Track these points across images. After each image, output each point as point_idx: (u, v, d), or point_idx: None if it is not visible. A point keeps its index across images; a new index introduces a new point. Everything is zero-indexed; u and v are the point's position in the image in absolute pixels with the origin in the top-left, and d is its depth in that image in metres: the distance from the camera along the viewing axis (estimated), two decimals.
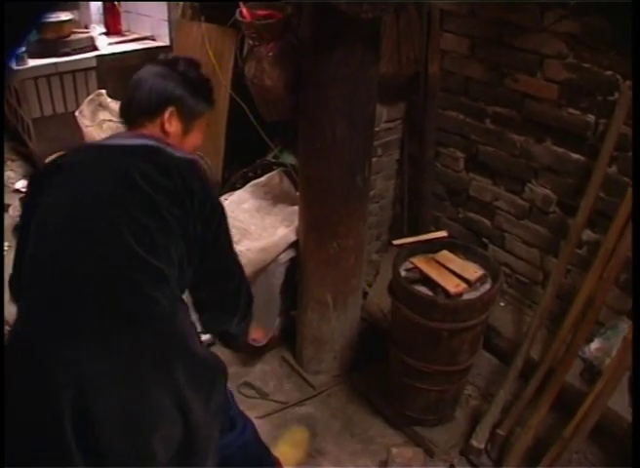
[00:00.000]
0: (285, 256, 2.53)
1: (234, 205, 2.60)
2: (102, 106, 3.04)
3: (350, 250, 2.39)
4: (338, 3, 1.83)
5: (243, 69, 2.36)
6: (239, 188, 2.76)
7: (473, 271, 2.22)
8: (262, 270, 2.51)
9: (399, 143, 2.88)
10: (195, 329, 1.63)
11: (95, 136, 2.83)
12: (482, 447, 2.34)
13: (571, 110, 2.31)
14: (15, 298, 1.59)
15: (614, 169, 2.26)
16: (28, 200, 1.63)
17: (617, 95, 2.18)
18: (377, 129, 2.70)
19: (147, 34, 4.07)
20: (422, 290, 2.18)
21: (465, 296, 2.16)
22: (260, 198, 2.69)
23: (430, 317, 2.13)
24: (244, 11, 2.23)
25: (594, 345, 2.39)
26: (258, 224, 2.57)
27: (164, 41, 3.96)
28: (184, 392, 1.46)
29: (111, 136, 1.74)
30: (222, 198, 2.70)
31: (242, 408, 2.07)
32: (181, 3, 3.45)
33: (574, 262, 2.41)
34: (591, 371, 2.35)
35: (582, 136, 2.30)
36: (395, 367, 2.39)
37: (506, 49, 2.39)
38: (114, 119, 2.85)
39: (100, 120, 2.88)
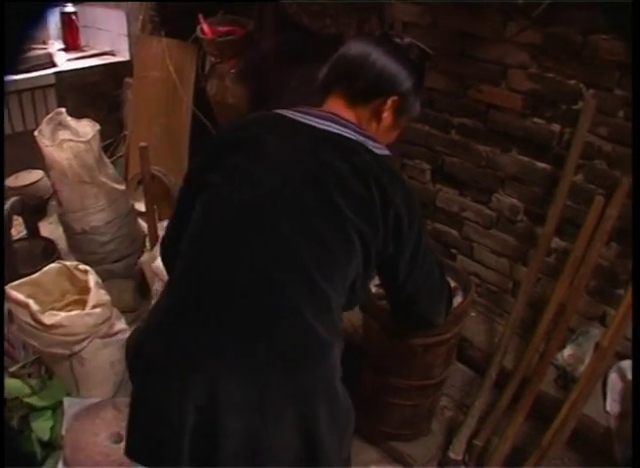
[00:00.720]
0: None
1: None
2: (63, 125, 2.90)
3: None
4: (300, 18, 1.75)
5: (205, 86, 2.27)
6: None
7: None
8: None
9: None
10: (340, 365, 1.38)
11: (55, 156, 2.70)
12: (460, 458, 2.27)
13: (535, 120, 2.26)
14: (167, 268, 1.51)
15: (580, 177, 2.22)
16: (197, 173, 1.44)
17: (580, 103, 2.13)
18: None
19: (107, 49, 3.95)
20: None
21: None
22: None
23: (402, 333, 2.06)
24: (205, 27, 2.14)
25: (567, 352, 2.34)
26: None
27: (124, 56, 3.86)
28: (320, 434, 1.24)
29: (303, 109, 1.43)
30: None
31: None
32: (141, 17, 3.33)
33: (543, 270, 2.36)
34: (565, 378, 2.30)
35: (548, 145, 2.25)
36: (369, 383, 2.31)
37: (469, 60, 2.34)
38: (74, 139, 2.72)
39: (60, 140, 2.74)
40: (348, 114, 1.44)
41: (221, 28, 2.14)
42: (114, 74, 3.81)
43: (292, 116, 1.42)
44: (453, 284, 2.14)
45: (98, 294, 2.37)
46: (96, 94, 3.77)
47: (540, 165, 2.31)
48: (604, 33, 1.99)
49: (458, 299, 2.13)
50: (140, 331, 1.34)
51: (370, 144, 1.38)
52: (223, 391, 1.18)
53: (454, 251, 2.72)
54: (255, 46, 2.12)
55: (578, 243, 2.16)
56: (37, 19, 0.77)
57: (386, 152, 1.44)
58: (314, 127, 1.38)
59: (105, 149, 3.47)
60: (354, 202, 1.30)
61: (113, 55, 3.91)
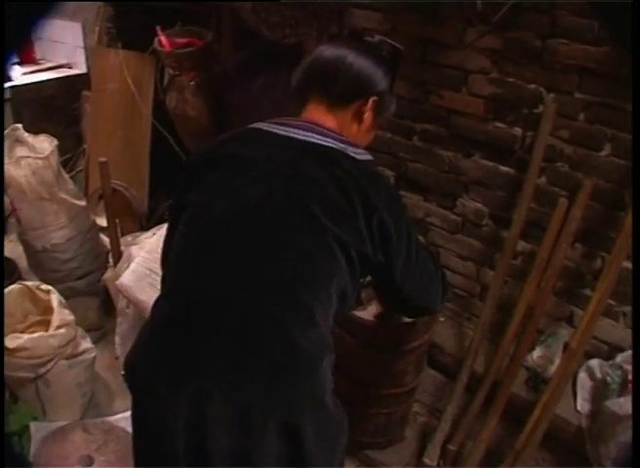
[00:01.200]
0: None
1: (163, 239, 2.39)
2: (19, 141, 2.78)
3: None
4: (259, 29, 1.70)
5: (164, 98, 2.19)
6: (167, 220, 2.54)
7: None
8: None
9: None
10: (331, 376, 1.35)
11: (12, 173, 2.59)
12: (434, 463, 2.23)
13: (497, 124, 2.24)
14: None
15: (543, 180, 2.21)
16: (178, 195, 1.40)
17: (541, 107, 2.13)
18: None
19: (63, 62, 3.83)
20: (363, 315, 2.05)
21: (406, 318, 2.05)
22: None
23: (373, 343, 2.02)
24: (162, 39, 2.07)
25: (536, 353, 2.32)
26: None
27: (81, 69, 3.75)
28: (308, 448, 1.23)
29: (281, 121, 1.40)
30: (150, 232, 2.51)
31: None
32: (97, 29, 3.23)
33: (510, 273, 2.34)
34: (535, 380, 2.29)
35: (510, 149, 2.24)
36: (342, 394, 2.25)
37: (430, 66, 2.31)
38: (32, 155, 2.62)
39: (17, 157, 2.63)
40: (329, 119, 1.41)
41: (180, 40, 2.06)
42: (71, 87, 3.70)
43: (270, 129, 1.38)
44: None
45: (61, 314, 2.29)
46: (53, 108, 3.65)
47: (504, 169, 2.29)
48: (563, 37, 1.97)
49: None
50: (133, 349, 1.30)
51: (350, 151, 1.35)
52: (210, 407, 1.16)
53: None
54: (214, 57, 2.05)
55: (543, 245, 2.14)
56: (36, 19, 0.76)
57: (368, 157, 1.41)
58: (293, 138, 1.34)
59: (64, 164, 3.36)
60: (334, 212, 1.27)
61: (70, 67, 3.79)
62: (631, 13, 0.74)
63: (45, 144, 2.79)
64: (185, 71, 2.01)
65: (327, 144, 1.34)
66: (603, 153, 2.05)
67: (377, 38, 1.49)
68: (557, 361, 2.26)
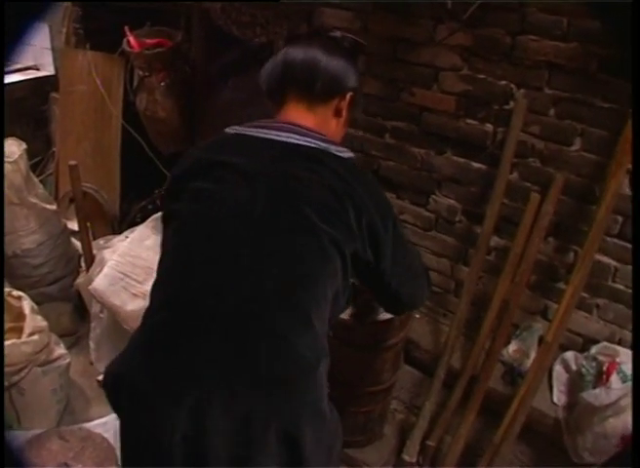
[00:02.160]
0: None
1: (136, 243, 2.33)
2: None
3: None
4: (229, 29, 1.64)
5: (134, 100, 2.12)
6: (139, 223, 2.49)
7: None
8: None
9: None
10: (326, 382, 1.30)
11: None
12: (414, 460, 2.20)
13: (469, 121, 2.21)
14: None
15: (515, 175, 2.18)
16: (165, 206, 1.37)
17: (512, 103, 2.10)
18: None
19: (30, 64, 3.69)
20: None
21: (382, 316, 2.01)
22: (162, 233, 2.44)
23: (350, 341, 1.98)
24: (131, 40, 1.99)
25: (512, 347, 2.30)
26: None
27: (49, 70, 3.62)
28: (306, 457, 1.18)
29: (260, 124, 1.36)
30: (123, 236, 2.43)
31: None
32: (64, 30, 3.13)
33: (484, 269, 2.31)
34: (512, 374, 2.26)
35: (482, 145, 2.21)
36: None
37: (401, 64, 2.27)
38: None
39: None
40: (308, 118, 1.38)
41: (149, 41, 1.99)
42: (40, 89, 3.58)
43: (251, 133, 1.35)
44: None
45: (34, 321, 2.22)
46: (21, 110, 3.53)
47: (476, 165, 2.27)
48: (532, 34, 1.95)
49: None
50: (119, 360, 1.22)
51: (333, 149, 1.32)
52: (209, 419, 1.11)
53: None
54: (184, 58, 1.98)
55: (516, 240, 2.12)
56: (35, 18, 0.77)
57: (351, 154, 1.38)
58: (275, 141, 1.30)
59: (34, 167, 3.26)
60: (326, 212, 1.23)
61: (37, 69, 3.66)
62: (631, 13, 0.72)
63: (13, 148, 2.70)
64: (155, 72, 1.94)
65: (309, 145, 1.30)
66: (573, 148, 2.03)
67: (338, 33, 1.48)
68: (533, 354, 2.24)
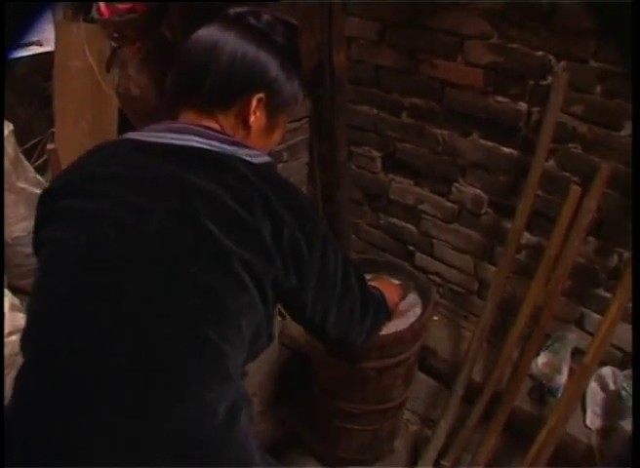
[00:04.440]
0: None
1: None
2: None
3: None
4: None
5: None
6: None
7: None
8: None
9: (308, 145, 2.32)
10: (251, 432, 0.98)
11: None
12: None
13: (499, 98, 1.80)
14: None
15: (552, 163, 1.78)
16: (35, 230, 1.01)
17: (550, 78, 1.68)
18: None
19: (33, 39, 3.35)
20: None
21: (392, 326, 1.65)
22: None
23: (353, 356, 1.62)
24: (102, 6, 1.62)
25: (541, 360, 1.93)
26: None
27: (52, 46, 3.26)
28: None
29: (157, 126, 1.02)
30: None
31: None
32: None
33: (513, 269, 1.93)
34: (541, 391, 1.89)
35: (514, 127, 1.80)
36: (321, 408, 1.87)
37: (421, 31, 1.87)
38: None
39: None
40: (210, 122, 1.03)
41: (121, 6, 1.60)
42: (42, 66, 3.23)
43: (142, 138, 0.99)
44: (396, 281, 1.73)
45: (13, 319, 1.95)
46: (24, 88, 3.20)
47: (506, 150, 1.86)
48: None
49: (416, 311, 1.70)
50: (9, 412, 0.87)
51: (243, 153, 0.98)
52: None
53: (411, 248, 2.27)
54: (161, 26, 1.60)
55: (552, 239, 1.72)
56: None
57: (266, 158, 1.03)
58: (171, 145, 0.96)
59: (34, 147, 2.95)
60: (235, 229, 0.90)
61: (40, 44, 3.32)
62: (631, 13, 0.62)
63: None
64: (128, 43, 1.58)
65: (211, 148, 0.96)
66: (623, 133, 1.62)
67: (265, 18, 1.07)
68: (565, 369, 1.87)
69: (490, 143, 1.89)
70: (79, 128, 2.74)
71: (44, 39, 3.31)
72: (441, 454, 1.89)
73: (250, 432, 0.95)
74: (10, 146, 2.37)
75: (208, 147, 0.96)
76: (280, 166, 2.23)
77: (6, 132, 2.37)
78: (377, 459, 1.98)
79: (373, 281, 1.48)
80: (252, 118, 1.02)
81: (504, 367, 1.87)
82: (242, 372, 0.97)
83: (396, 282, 1.72)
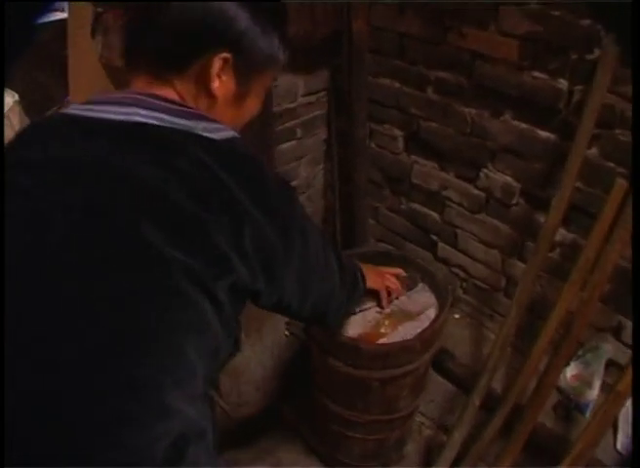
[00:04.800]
0: None
1: None
2: None
3: None
4: None
5: None
6: None
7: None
8: None
9: (326, 120, 2.10)
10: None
11: None
12: None
13: (536, 74, 1.54)
14: None
15: (595, 151, 1.53)
16: None
17: (597, 52, 1.42)
18: (292, 105, 1.95)
19: (57, 5, 3.19)
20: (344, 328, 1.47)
21: (401, 331, 1.46)
22: None
23: (354, 364, 1.43)
24: None
25: (570, 371, 1.71)
26: None
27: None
28: None
29: (100, 97, 0.81)
30: None
31: None
32: None
33: (545, 267, 1.69)
34: (567, 406, 1.67)
35: (553, 107, 1.55)
36: (321, 412, 1.70)
37: None
38: None
39: None
40: (165, 90, 0.81)
41: None
42: (63, 32, 3.08)
43: (80, 112, 0.78)
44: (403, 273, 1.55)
45: None
46: (44, 55, 3.05)
47: (542, 133, 1.61)
48: None
49: (429, 314, 1.50)
50: None
51: (200, 128, 0.76)
52: None
53: (434, 237, 2.04)
54: None
55: (591, 238, 1.48)
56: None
57: (229, 133, 0.80)
58: (109, 121, 0.75)
59: None
60: (179, 230, 0.70)
61: (62, 10, 3.15)
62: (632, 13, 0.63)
63: (7, 99, 2.25)
64: (111, 7, 1.38)
65: (162, 124, 0.75)
66: None
67: None
68: (597, 384, 1.65)
69: (524, 125, 1.63)
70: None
71: (65, 5, 3.15)
72: (455, 463, 1.71)
73: (206, 462, 0.78)
74: (15, 118, 2.24)
75: (155, 122, 0.75)
76: (293, 143, 2.02)
77: (10, 102, 2.23)
78: (384, 466, 1.81)
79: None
80: (215, 83, 0.81)
81: (529, 377, 1.65)
82: (196, 396, 0.78)
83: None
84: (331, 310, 1.09)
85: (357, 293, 1.24)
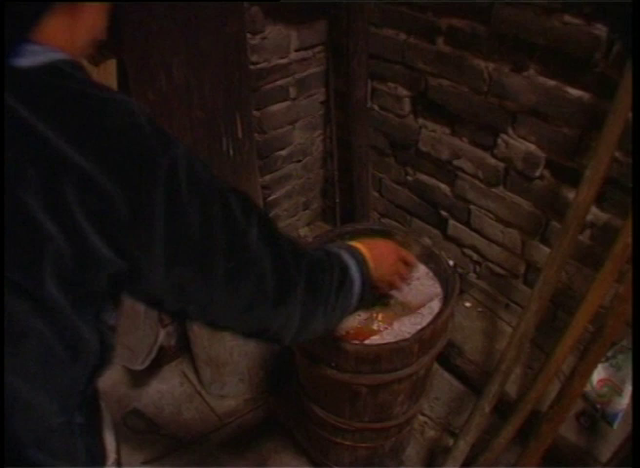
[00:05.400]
0: None
1: None
2: None
3: None
4: None
5: None
6: None
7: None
8: None
9: (323, 79, 1.81)
10: None
11: None
12: None
13: (567, 19, 1.24)
14: None
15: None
16: None
17: None
18: (284, 60, 1.66)
19: None
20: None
21: (397, 327, 1.20)
22: None
23: (338, 367, 1.18)
24: None
25: (597, 375, 1.43)
26: None
27: None
28: None
29: None
30: None
31: (127, 447, 1.48)
32: None
33: (573, 253, 1.39)
34: (592, 416, 1.40)
35: (587, 59, 1.25)
36: (307, 415, 1.45)
37: None
38: None
39: None
40: None
41: None
42: None
43: None
44: (414, 249, 1.29)
45: None
46: None
47: (574, 92, 1.31)
48: None
49: (432, 307, 1.24)
50: None
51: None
52: None
53: (444, 213, 1.75)
54: None
55: (630, 219, 1.18)
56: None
57: (50, 56, 0.53)
58: None
59: None
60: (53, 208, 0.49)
61: None
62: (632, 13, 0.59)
63: None
64: None
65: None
66: None
67: None
68: (628, 390, 1.37)
69: (551, 82, 1.33)
70: None
71: None
72: None
73: None
74: None
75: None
76: (286, 104, 1.75)
77: None
78: None
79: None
80: None
81: (549, 380, 1.38)
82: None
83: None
84: (285, 326, 0.76)
85: (349, 299, 0.86)
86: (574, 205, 1.29)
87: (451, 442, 1.61)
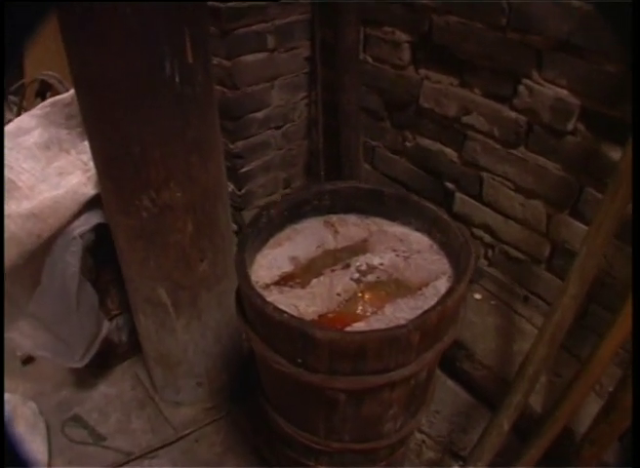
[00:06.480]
0: (83, 224, 1.19)
1: (11, 138, 1.26)
2: None
3: (181, 208, 1.05)
4: None
5: None
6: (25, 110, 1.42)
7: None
8: (41, 250, 1.17)
9: (308, 31, 1.47)
10: None
11: None
12: None
13: None
14: None
15: None
16: None
17: None
18: (259, 1, 1.33)
19: None
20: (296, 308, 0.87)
21: (390, 311, 0.86)
22: (56, 126, 1.32)
23: (307, 364, 0.83)
24: None
25: None
26: (36, 171, 1.22)
27: None
28: None
29: None
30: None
31: (62, 459, 1.23)
32: None
33: (616, 231, 1.03)
34: None
35: None
36: (275, 431, 1.09)
37: None
38: None
39: None
40: None
41: None
42: None
43: None
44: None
45: None
46: None
47: None
48: None
49: (438, 287, 0.91)
50: None
51: None
52: None
53: (450, 185, 1.40)
54: None
55: None
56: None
57: None
58: None
59: None
60: None
61: None
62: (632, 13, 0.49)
63: None
64: None
65: None
66: None
67: None
68: None
69: (588, 6, 0.99)
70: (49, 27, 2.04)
71: None
72: None
73: None
74: None
75: None
76: (263, 56, 1.42)
77: None
78: None
79: None
80: None
81: (587, 390, 1.02)
82: None
83: None
84: None
85: None
86: (619, 167, 0.94)
87: (454, 466, 1.26)
